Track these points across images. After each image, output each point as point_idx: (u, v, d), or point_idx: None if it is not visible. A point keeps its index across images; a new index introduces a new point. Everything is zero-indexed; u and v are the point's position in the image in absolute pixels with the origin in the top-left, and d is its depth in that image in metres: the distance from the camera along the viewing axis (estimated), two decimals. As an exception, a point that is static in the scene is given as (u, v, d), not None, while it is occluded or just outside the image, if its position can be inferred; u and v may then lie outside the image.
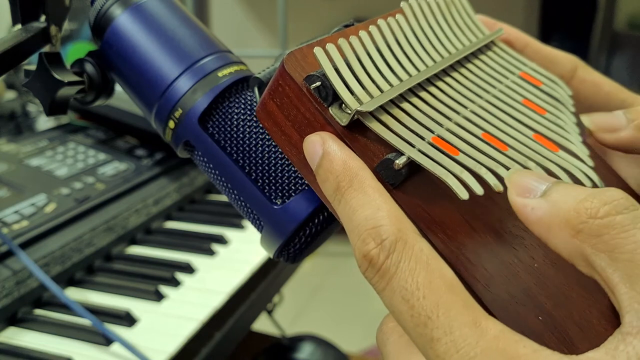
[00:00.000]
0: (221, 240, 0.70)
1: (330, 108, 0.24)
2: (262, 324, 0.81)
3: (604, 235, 0.19)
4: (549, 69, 0.34)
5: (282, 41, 1.97)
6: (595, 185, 0.26)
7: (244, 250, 0.69)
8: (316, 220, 0.29)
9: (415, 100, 0.26)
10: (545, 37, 2.29)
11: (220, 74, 0.31)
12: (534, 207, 0.21)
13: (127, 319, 0.54)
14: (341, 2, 2.51)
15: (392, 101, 0.25)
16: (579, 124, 0.31)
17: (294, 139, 0.25)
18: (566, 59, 0.35)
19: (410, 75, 0.27)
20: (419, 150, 0.23)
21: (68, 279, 0.60)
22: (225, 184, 0.31)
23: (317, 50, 0.24)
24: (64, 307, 0.54)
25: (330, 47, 0.24)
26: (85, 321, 0.52)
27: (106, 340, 0.51)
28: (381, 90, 0.25)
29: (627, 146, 0.28)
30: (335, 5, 2.51)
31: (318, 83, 0.24)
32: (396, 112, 0.25)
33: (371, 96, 0.24)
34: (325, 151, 0.23)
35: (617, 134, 0.28)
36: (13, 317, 0.54)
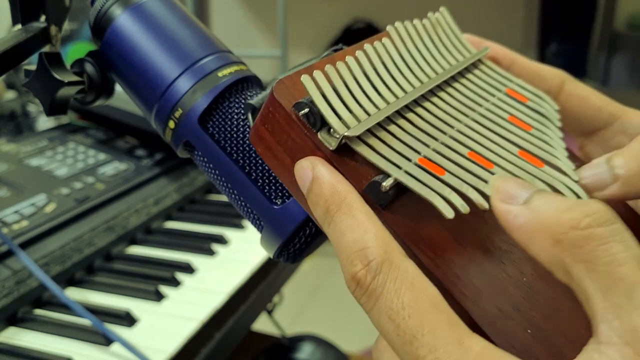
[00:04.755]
0: (221, 240, 0.70)
1: (319, 133, 0.24)
2: (262, 324, 0.81)
3: (583, 247, 0.20)
4: (537, 85, 0.34)
5: (282, 41, 1.97)
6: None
7: (244, 250, 0.69)
8: (316, 220, 0.29)
9: (402, 122, 0.27)
10: (545, 37, 2.29)
11: (220, 74, 0.31)
12: (516, 214, 0.21)
13: (127, 319, 0.54)
14: (341, 2, 2.51)
15: (379, 124, 0.25)
16: (567, 138, 0.31)
17: (285, 163, 0.26)
18: (553, 74, 0.35)
19: (397, 97, 0.27)
20: (406, 172, 0.24)
21: (68, 279, 0.60)
22: (225, 184, 0.31)
23: (305, 78, 0.25)
24: (64, 307, 0.54)
25: (317, 74, 0.25)
26: (85, 321, 0.52)
27: (106, 340, 0.51)
28: (368, 114, 0.25)
29: (619, 199, 0.28)
30: (335, 5, 2.51)
31: (306, 110, 0.24)
32: (383, 134, 0.25)
33: (358, 120, 0.25)
34: (314, 176, 0.24)
35: (605, 192, 0.27)
36: (13, 317, 0.54)
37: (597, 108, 0.34)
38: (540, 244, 0.21)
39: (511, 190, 0.22)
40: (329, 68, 0.25)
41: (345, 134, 0.24)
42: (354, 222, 0.23)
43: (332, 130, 0.24)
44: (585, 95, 0.34)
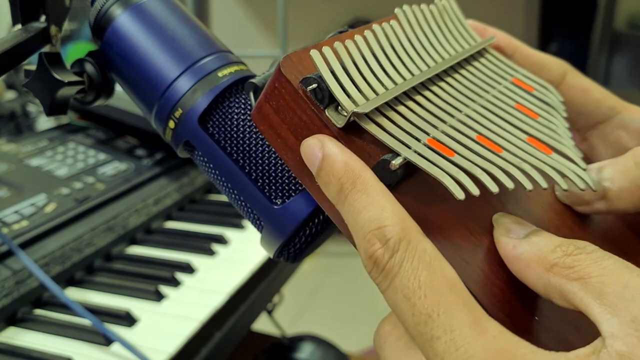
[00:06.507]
0: (221, 240, 0.70)
1: (326, 110, 0.24)
2: (262, 324, 0.81)
3: (575, 267, 0.21)
4: (538, 74, 0.34)
5: (282, 41, 1.97)
6: (589, 187, 0.26)
7: (244, 250, 0.69)
8: (316, 220, 0.29)
9: (410, 103, 0.26)
10: (546, 37, 2.29)
11: (220, 74, 0.31)
12: (515, 245, 0.23)
13: (127, 319, 0.54)
14: (341, 2, 2.51)
15: (387, 103, 0.25)
16: (571, 129, 0.31)
17: (290, 142, 0.25)
18: (555, 64, 0.34)
19: (404, 79, 0.27)
20: (415, 152, 0.23)
21: (68, 279, 0.60)
22: (225, 184, 0.31)
23: (314, 53, 0.24)
24: (64, 307, 0.54)
25: (326, 50, 0.25)
26: (85, 321, 0.52)
27: (106, 340, 0.51)
28: (377, 93, 0.25)
29: (605, 214, 0.28)
30: (335, 5, 2.51)
31: (314, 85, 0.24)
32: (392, 114, 0.25)
33: (367, 98, 0.24)
34: (325, 154, 0.23)
35: (591, 206, 0.28)
36: (13, 317, 0.54)
37: (597, 101, 0.34)
38: (536, 271, 0.22)
39: (512, 225, 0.24)
40: (338, 45, 0.25)
41: (355, 110, 0.23)
42: (370, 200, 0.22)
43: (340, 107, 0.24)
44: (586, 87, 0.34)
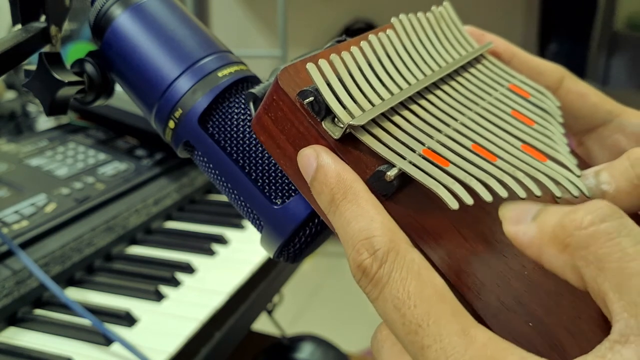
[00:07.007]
0: (221, 240, 0.70)
1: (323, 122, 0.25)
2: (262, 324, 0.81)
3: (590, 246, 0.20)
4: (536, 80, 0.34)
5: (282, 41, 1.97)
6: (583, 194, 0.26)
7: (244, 250, 0.69)
8: (316, 220, 0.29)
9: (406, 113, 0.27)
10: (545, 37, 2.29)
11: (220, 74, 0.31)
12: (525, 231, 0.22)
13: (127, 319, 0.54)
14: (341, 2, 2.51)
15: (383, 114, 0.26)
16: (568, 134, 0.31)
17: (288, 152, 0.26)
18: (553, 70, 0.35)
19: (401, 89, 0.27)
20: (410, 162, 0.24)
21: (68, 279, 0.60)
22: (225, 184, 0.31)
23: (310, 66, 0.25)
24: (64, 307, 0.54)
25: (322, 62, 0.25)
26: (85, 321, 0.52)
27: (106, 340, 0.51)
28: (372, 104, 0.26)
29: None
30: (335, 5, 2.51)
31: (311, 98, 0.24)
32: (387, 125, 0.25)
33: (363, 110, 0.25)
34: (319, 164, 0.24)
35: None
36: (13, 317, 0.54)
37: (595, 105, 0.34)
38: (550, 253, 0.21)
39: (518, 212, 0.22)
40: (334, 57, 0.26)
41: (350, 122, 0.24)
42: (360, 211, 0.23)
43: (336, 119, 0.24)
44: (584, 92, 0.34)
